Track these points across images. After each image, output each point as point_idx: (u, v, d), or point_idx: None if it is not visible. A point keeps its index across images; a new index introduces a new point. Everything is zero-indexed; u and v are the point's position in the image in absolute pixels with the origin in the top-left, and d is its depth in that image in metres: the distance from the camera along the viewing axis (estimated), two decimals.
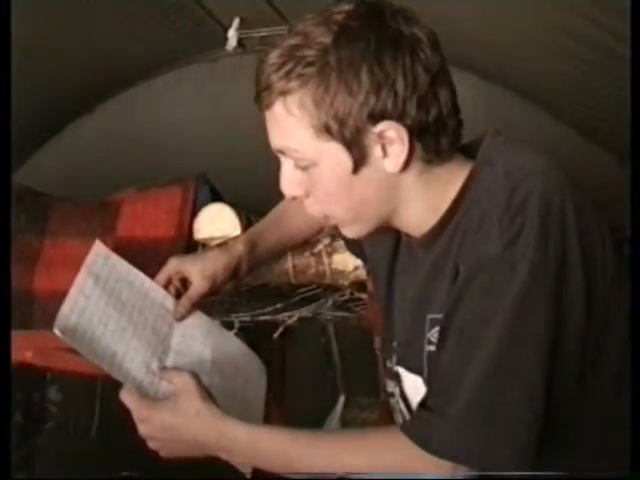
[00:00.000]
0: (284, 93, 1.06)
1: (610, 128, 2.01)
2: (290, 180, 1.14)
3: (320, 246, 1.65)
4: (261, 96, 1.09)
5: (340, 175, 1.09)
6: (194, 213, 1.74)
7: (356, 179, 1.09)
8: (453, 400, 1.02)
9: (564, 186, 1.04)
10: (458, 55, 2.19)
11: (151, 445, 1.20)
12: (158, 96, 2.59)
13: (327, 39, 1.05)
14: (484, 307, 1.02)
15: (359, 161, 1.08)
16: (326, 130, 1.06)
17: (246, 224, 1.69)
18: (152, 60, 2.52)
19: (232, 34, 2.31)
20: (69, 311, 1.25)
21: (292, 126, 1.08)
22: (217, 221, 1.71)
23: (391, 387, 1.27)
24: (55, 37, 2.10)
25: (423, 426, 1.05)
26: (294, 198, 1.16)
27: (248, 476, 1.22)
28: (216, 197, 1.79)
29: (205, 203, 1.75)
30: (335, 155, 1.08)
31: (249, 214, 1.74)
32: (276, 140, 1.11)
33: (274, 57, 1.07)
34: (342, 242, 1.58)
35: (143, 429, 1.19)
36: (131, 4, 2.14)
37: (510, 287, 1.00)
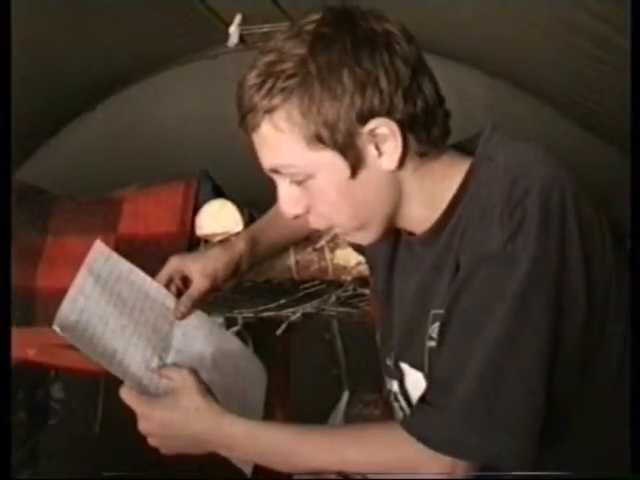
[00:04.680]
0: (269, 111, 1.05)
1: (613, 122, 2.01)
2: (288, 199, 1.13)
3: (322, 242, 1.65)
4: (246, 119, 1.08)
5: (339, 182, 1.08)
6: (196, 209, 1.74)
7: (355, 183, 1.08)
8: (453, 394, 1.02)
9: (563, 179, 1.04)
10: (461, 50, 2.19)
11: (151, 442, 1.20)
12: (159, 93, 2.58)
13: (302, 50, 1.04)
14: (485, 301, 1.01)
15: (355, 164, 1.07)
16: (318, 139, 1.05)
17: (248, 220, 1.69)
18: (153, 57, 2.52)
19: (234, 30, 2.31)
20: (69, 309, 1.25)
21: (283, 142, 1.07)
22: (219, 217, 1.71)
23: (390, 385, 1.26)
24: (56, 34, 2.09)
25: (422, 420, 1.05)
26: (296, 217, 1.15)
27: (249, 475, 1.22)
28: (218, 193, 1.79)
29: (207, 199, 1.75)
30: (330, 163, 1.07)
31: (251, 210, 1.73)
32: (268, 160, 1.10)
33: (252, 78, 1.06)
34: None
35: (143, 426, 1.19)
36: (132, 1, 2.13)
37: (511, 281, 0.99)
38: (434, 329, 1.10)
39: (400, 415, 1.25)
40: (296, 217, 1.15)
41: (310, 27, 1.06)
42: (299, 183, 1.10)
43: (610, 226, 1.09)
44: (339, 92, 1.03)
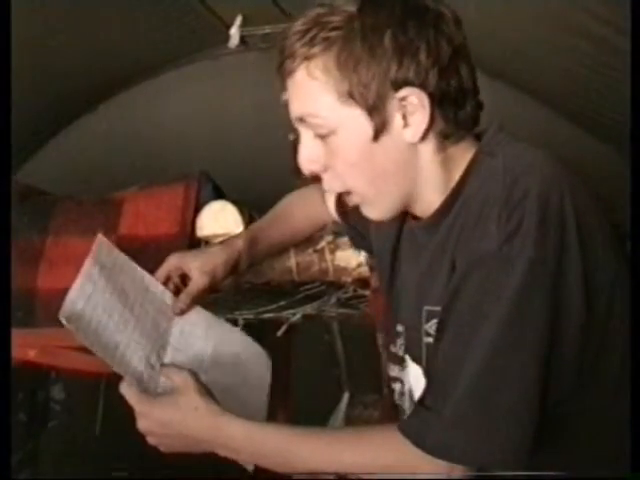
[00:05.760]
0: (308, 58, 1.08)
1: (612, 123, 2.01)
2: (309, 153, 1.13)
3: (323, 243, 1.65)
4: (284, 65, 1.10)
5: (360, 143, 1.09)
6: (196, 210, 1.74)
7: (376, 148, 1.09)
8: (449, 398, 1.01)
9: (563, 182, 1.03)
10: None
11: (150, 440, 1.20)
12: (160, 94, 2.59)
13: (352, 7, 1.07)
14: (481, 303, 1.01)
15: (379, 128, 1.08)
16: (349, 95, 1.07)
17: (249, 221, 1.69)
18: (154, 58, 2.52)
19: (234, 32, 2.31)
20: (76, 297, 1.24)
21: (315, 90, 1.09)
22: (220, 218, 1.71)
23: (395, 372, 1.26)
24: (56, 36, 2.10)
25: (419, 424, 1.04)
26: (312, 174, 1.15)
27: (250, 470, 1.22)
28: (218, 194, 1.79)
29: (207, 200, 1.75)
30: (356, 122, 1.08)
31: (251, 211, 1.73)
32: (297, 107, 1.12)
33: (299, 25, 1.08)
34: (345, 239, 1.58)
35: (142, 424, 1.19)
36: (133, 2, 2.13)
37: (508, 283, 0.99)
38: (431, 326, 1.11)
39: (404, 402, 1.24)
40: (312, 174, 1.15)
41: None
42: (322, 138, 1.11)
43: (611, 227, 1.09)
44: (378, 54, 1.05)
